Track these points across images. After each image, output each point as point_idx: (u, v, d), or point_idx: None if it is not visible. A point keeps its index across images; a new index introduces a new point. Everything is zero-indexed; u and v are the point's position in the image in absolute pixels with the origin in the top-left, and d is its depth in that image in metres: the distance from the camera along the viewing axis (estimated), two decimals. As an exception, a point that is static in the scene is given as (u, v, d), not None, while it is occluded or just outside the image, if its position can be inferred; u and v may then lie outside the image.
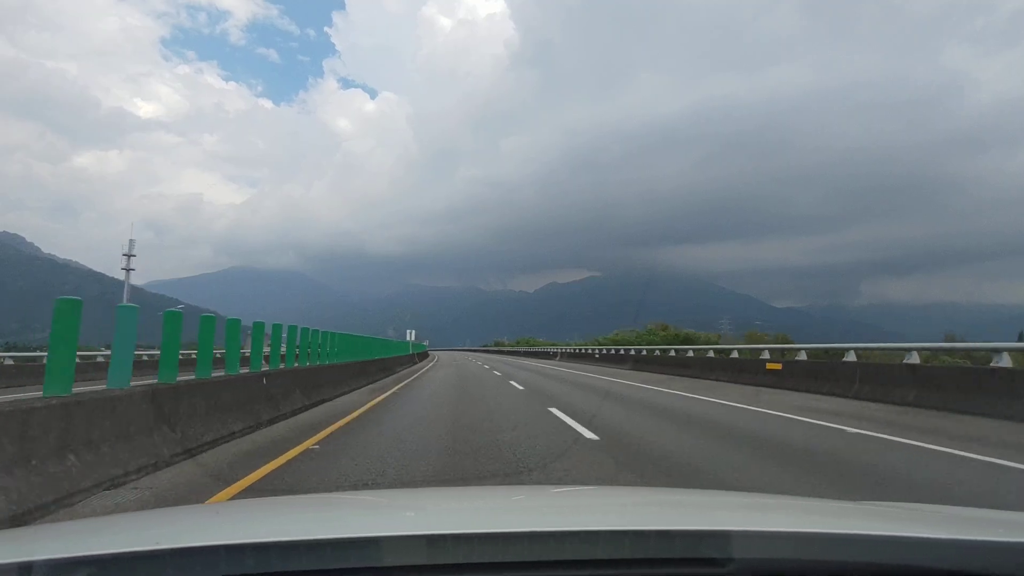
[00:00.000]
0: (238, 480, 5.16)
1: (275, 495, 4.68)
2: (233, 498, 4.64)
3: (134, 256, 45.49)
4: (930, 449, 6.92)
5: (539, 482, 5.16)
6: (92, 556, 1.11)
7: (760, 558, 1.19)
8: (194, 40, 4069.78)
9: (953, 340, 32.96)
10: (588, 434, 7.66)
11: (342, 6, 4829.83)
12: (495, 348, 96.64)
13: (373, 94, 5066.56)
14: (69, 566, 1.08)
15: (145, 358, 22.32)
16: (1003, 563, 1.18)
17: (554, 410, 10.37)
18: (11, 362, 24.37)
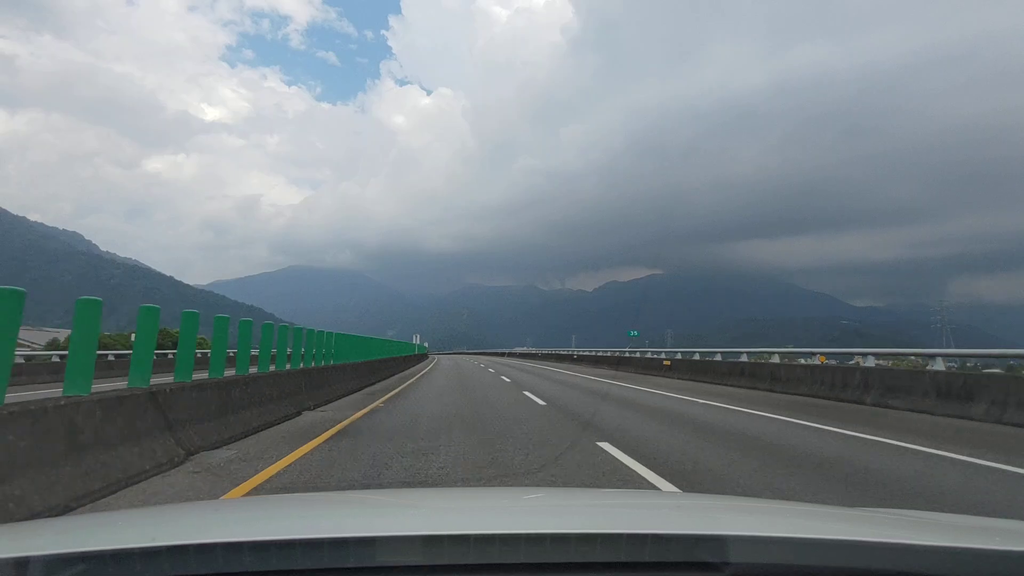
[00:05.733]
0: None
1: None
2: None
3: None
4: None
5: None
6: (88, 552, 1.10)
7: (756, 563, 1.18)
8: (258, 45, 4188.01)
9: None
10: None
11: (398, 9, 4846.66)
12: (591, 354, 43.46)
13: (429, 90, 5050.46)
14: (65, 562, 1.06)
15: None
16: (998, 571, 1.17)
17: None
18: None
